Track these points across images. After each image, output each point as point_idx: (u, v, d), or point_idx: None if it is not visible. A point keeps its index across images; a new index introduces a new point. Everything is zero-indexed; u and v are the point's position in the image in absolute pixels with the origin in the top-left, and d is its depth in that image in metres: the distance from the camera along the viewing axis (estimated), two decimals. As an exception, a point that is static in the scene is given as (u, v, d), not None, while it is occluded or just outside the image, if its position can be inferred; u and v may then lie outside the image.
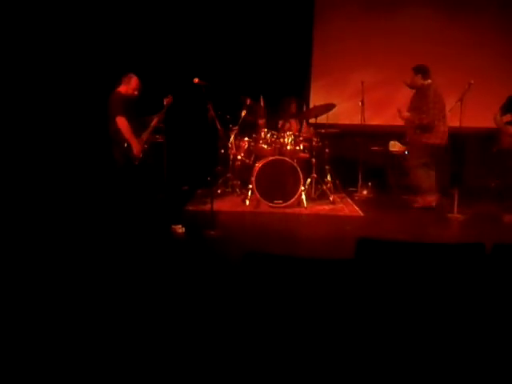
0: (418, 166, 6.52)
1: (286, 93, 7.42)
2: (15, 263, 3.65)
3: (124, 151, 5.62)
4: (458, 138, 7.25)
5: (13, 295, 3.03)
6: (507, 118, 6.23)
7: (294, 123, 7.22)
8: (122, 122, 5.55)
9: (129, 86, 5.74)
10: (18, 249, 4.07)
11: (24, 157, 6.51)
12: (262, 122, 7.09)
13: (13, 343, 2.45)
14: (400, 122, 6.84)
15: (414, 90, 6.57)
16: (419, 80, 6.46)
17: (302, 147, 6.77)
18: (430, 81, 6.44)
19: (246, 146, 7.00)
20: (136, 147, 5.61)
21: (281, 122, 7.25)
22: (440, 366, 2.13)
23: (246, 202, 6.43)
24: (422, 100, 6.39)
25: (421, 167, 6.51)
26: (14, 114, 6.51)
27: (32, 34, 6.68)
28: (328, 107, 6.94)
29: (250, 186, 6.47)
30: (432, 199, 6.48)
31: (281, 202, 6.32)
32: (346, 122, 7.72)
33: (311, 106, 7.67)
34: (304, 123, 7.36)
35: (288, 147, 6.64)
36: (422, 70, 6.46)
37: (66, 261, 3.76)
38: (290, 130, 6.89)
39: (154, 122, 5.95)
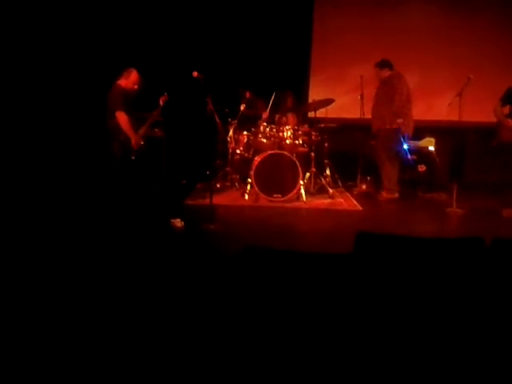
0: (389, 159, 6.69)
1: (285, 87, 7.40)
2: (12, 254, 3.65)
3: (122, 145, 5.63)
4: (458, 132, 7.25)
5: (7, 285, 3.03)
6: (507, 109, 6.22)
7: (291, 117, 7.19)
8: (121, 117, 5.57)
9: (128, 80, 5.75)
10: (15, 241, 4.07)
11: (22, 152, 6.50)
12: (265, 115, 7.06)
13: (12, 343, 2.45)
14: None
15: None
16: (387, 72, 6.69)
17: (301, 141, 6.75)
18: (393, 71, 6.69)
19: (245, 139, 6.98)
20: (134, 141, 5.64)
21: (278, 116, 7.23)
22: (438, 359, 2.13)
23: (245, 196, 6.43)
24: (391, 89, 6.61)
25: (390, 160, 6.65)
26: (10, 108, 6.50)
27: (29, 28, 6.66)
28: (326, 102, 6.94)
29: (249, 180, 6.46)
30: (396, 191, 6.72)
31: (280, 196, 6.32)
32: (346, 116, 7.70)
33: (310, 100, 7.65)
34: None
35: (287, 141, 6.63)
36: (387, 64, 6.70)
37: (64, 254, 3.76)
38: (287, 124, 6.87)
39: (151, 118, 5.97)
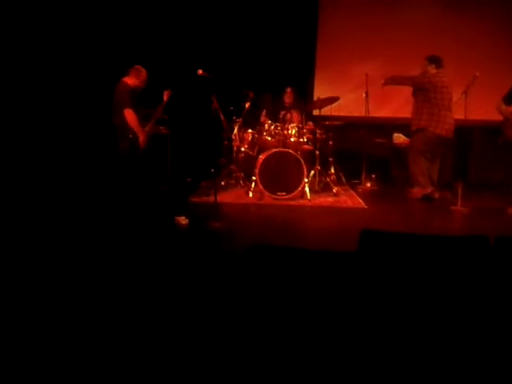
0: (418, 156, 6.53)
1: (290, 85, 7.39)
2: (15, 250, 3.66)
3: (129, 142, 5.65)
4: (463, 130, 7.22)
5: (9, 279, 3.04)
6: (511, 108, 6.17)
7: (295, 115, 7.18)
8: (129, 115, 5.59)
9: (138, 79, 5.77)
10: (18, 237, 4.09)
11: (28, 149, 6.52)
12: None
13: (12, 342, 2.46)
14: (404, 114, 6.84)
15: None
16: (433, 69, 6.45)
17: (305, 139, 6.76)
18: (435, 70, 6.43)
19: (250, 137, 6.98)
20: (142, 139, 5.68)
21: (282, 113, 7.23)
22: (442, 356, 2.13)
23: (249, 194, 6.43)
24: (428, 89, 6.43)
25: (420, 158, 6.52)
26: (15, 105, 6.52)
27: (34, 25, 6.67)
28: (331, 100, 6.93)
29: (254, 178, 6.46)
30: (428, 192, 6.49)
31: (284, 193, 6.32)
32: (350, 114, 7.70)
33: (315, 98, 7.64)
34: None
35: (292, 139, 6.63)
36: (435, 60, 6.45)
37: (68, 251, 3.77)
38: (291, 122, 6.87)
39: (156, 114, 5.98)
